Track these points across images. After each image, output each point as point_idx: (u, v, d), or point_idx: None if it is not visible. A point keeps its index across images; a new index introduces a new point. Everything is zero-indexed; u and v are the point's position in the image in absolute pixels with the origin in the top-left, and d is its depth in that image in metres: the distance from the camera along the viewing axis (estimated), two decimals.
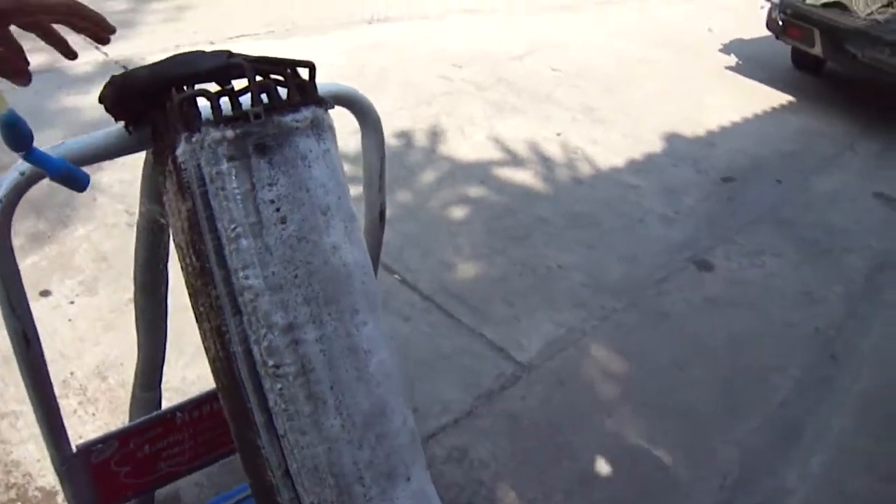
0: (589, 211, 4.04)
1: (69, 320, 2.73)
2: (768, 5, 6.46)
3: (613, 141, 4.94)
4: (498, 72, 5.76)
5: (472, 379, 2.75)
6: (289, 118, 1.03)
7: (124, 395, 2.24)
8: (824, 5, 6.09)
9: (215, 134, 0.98)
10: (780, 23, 6.25)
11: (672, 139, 5.17)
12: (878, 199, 4.99)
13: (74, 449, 1.36)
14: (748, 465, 2.62)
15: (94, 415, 2.33)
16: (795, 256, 4.03)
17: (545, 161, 4.50)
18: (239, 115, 1.01)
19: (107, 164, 3.43)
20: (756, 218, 4.35)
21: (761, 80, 6.82)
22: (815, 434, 2.82)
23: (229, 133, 0.98)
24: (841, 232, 4.40)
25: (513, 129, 4.80)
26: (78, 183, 1.02)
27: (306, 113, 1.05)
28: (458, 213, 3.78)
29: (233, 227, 0.99)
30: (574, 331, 3.10)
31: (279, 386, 1.01)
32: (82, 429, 2.26)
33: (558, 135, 4.85)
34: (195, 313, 1.08)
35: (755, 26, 7.84)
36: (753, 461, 2.64)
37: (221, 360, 1.03)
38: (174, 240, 1.07)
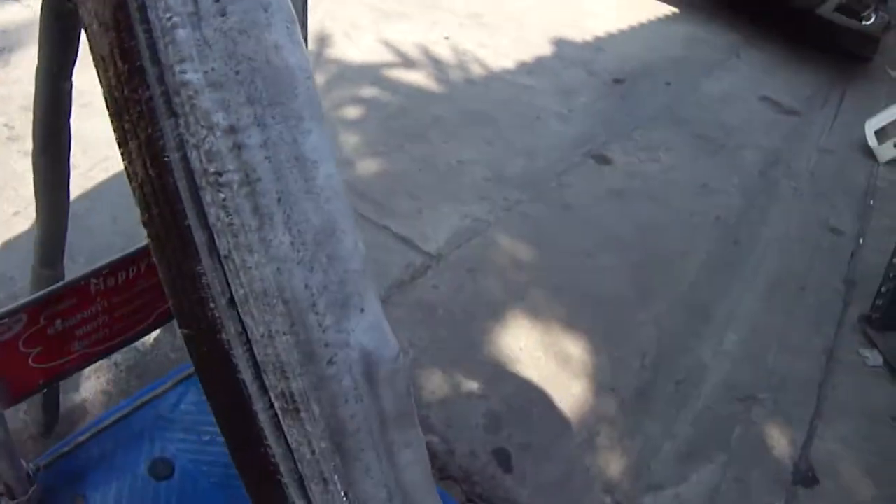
0: (484, 109, 3.88)
1: None
2: None
3: (503, 45, 4.78)
4: None
5: (382, 270, 2.58)
6: None
7: None
8: None
9: None
10: None
11: (560, 43, 5.06)
12: (765, 102, 5.05)
13: None
14: (665, 344, 2.57)
15: None
16: (691, 152, 4.01)
17: (436, 63, 4.31)
18: None
19: None
20: (650, 116, 4.31)
21: None
22: (726, 314, 2.79)
23: None
24: (733, 130, 4.42)
25: (400, 33, 4.58)
26: None
27: None
28: (352, 112, 3.56)
29: (168, 16, 0.84)
30: (480, 221, 2.96)
31: (222, 196, 0.87)
32: None
33: (446, 38, 4.66)
34: (119, 137, 0.91)
35: None
36: (669, 341, 2.59)
37: (153, 178, 0.89)
38: (94, 51, 0.89)
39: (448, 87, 4.08)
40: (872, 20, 5.74)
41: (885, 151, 4.55)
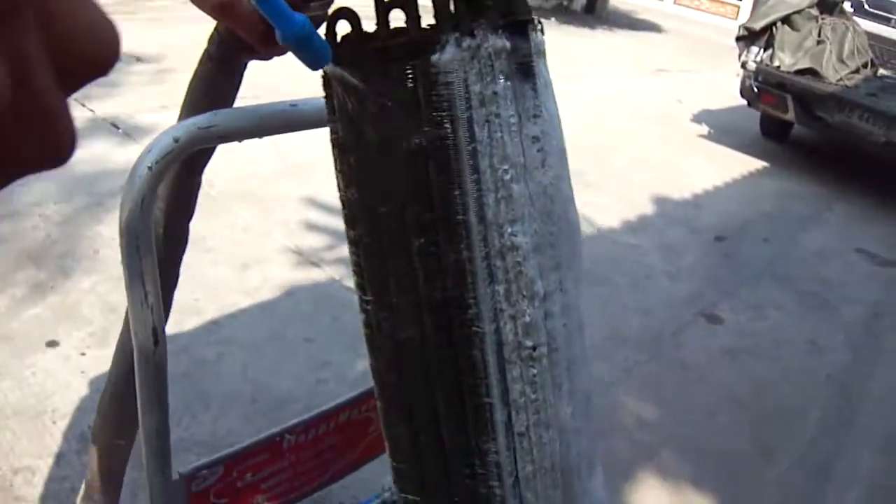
0: (595, 269, 4.16)
1: (81, 372, 2.63)
2: (742, 73, 6.78)
3: (605, 203, 5.10)
4: None
5: None
6: (536, 38, 0.82)
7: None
8: (797, 72, 6.44)
9: (496, 42, 0.76)
10: (755, 90, 6.56)
11: (660, 202, 5.36)
12: (861, 255, 5.22)
13: (177, 475, 1.19)
14: (789, 502, 2.71)
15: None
16: (797, 308, 4.19)
17: None
18: (514, 22, 0.79)
19: (107, 217, 3.46)
20: (753, 273, 4.52)
21: (732, 147, 7.11)
22: (846, 470, 2.93)
23: (507, 44, 0.77)
24: (834, 285, 4.59)
25: None
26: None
27: (541, 35, 0.84)
28: None
29: (504, 167, 0.78)
30: (601, 382, 3.18)
31: (532, 372, 0.84)
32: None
33: None
34: (373, 290, 0.84)
35: (720, 98, 8.23)
36: (794, 499, 2.73)
37: (446, 343, 0.83)
38: (354, 190, 0.82)
39: None
40: None
41: None
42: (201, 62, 1.06)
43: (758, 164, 6.83)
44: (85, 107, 4.70)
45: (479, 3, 0.76)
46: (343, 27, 0.77)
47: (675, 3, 18.86)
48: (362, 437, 1.56)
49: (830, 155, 7.48)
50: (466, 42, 0.75)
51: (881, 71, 7.32)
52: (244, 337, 2.90)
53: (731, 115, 7.84)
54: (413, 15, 0.75)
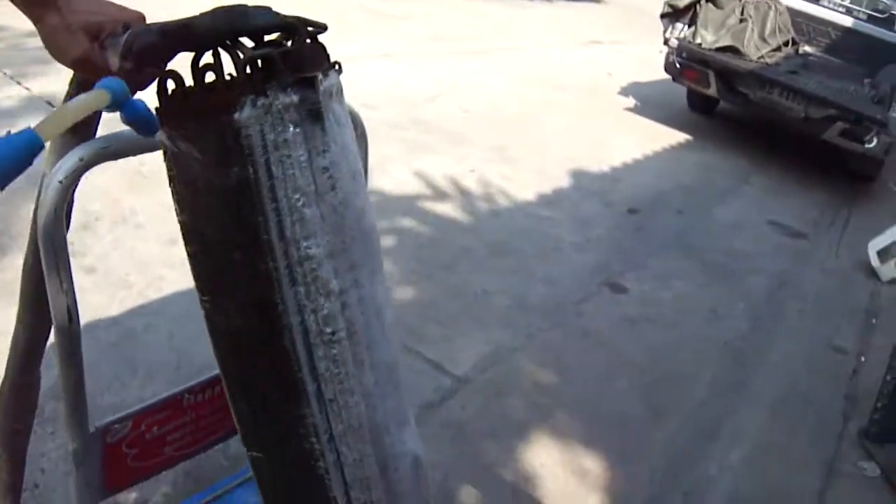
0: (508, 240, 4.27)
1: None
2: (666, 50, 6.93)
3: (524, 177, 5.21)
4: (412, 113, 6.00)
5: (413, 391, 2.90)
6: (327, 83, 1.02)
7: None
8: (718, 49, 6.61)
9: (284, 99, 0.95)
10: (678, 66, 6.72)
11: (579, 175, 5.49)
12: (773, 227, 5.43)
13: (93, 428, 1.35)
14: (675, 460, 2.85)
15: (52, 434, 2.37)
16: (702, 278, 4.35)
17: (464, 196, 4.72)
18: (300, 79, 0.98)
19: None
20: (662, 245, 4.68)
21: (658, 120, 7.30)
22: (733, 431, 3.09)
23: (295, 98, 0.96)
24: (742, 256, 4.77)
25: (430, 166, 5.02)
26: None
27: (335, 77, 1.04)
28: (388, 242, 3.95)
29: (296, 196, 0.98)
30: (504, 348, 3.29)
31: (334, 352, 1.05)
32: (44, 447, 2.30)
33: (472, 171, 5.10)
34: (208, 291, 1.08)
35: (651, 71, 8.38)
36: (679, 457, 2.87)
37: (264, 334, 1.05)
38: (187, 216, 1.06)
39: (474, 218, 4.47)
40: (875, 143, 6.15)
41: (887, 271, 4.87)
42: (65, 100, 1.21)
43: (681, 137, 7.01)
44: (21, 85, 4.66)
45: (271, 68, 0.96)
46: (170, 85, 0.99)
47: None
48: None
49: (754, 129, 7.70)
50: (260, 101, 0.95)
51: (805, 48, 7.54)
52: (170, 309, 3.00)
53: (660, 89, 8.00)
54: (220, 78, 0.98)
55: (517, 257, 4.11)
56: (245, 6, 0.99)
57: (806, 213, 5.87)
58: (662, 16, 7.00)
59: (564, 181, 5.33)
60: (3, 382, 1.52)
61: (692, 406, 3.19)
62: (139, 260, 3.25)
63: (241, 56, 0.95)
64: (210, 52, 0.99)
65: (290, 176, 0.97)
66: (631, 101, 7.77)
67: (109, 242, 3.32)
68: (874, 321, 4.30)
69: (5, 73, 4.55)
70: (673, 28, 6.90)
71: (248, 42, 0.99)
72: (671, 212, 5.24)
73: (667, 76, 7.10)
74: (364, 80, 6.56)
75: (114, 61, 1.00)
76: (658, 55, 7.33)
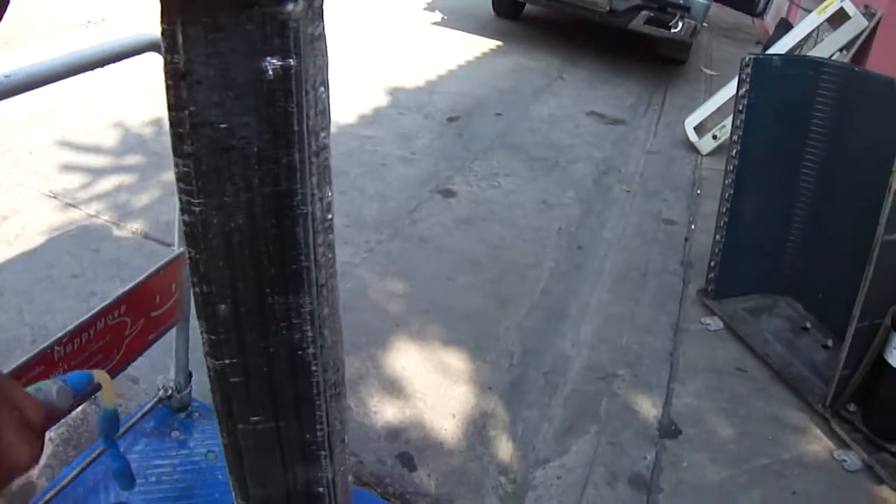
0: (335, 164, 4.29)
1: None
2: None
3: (342, 100, 5.24)
4: None
5: None
6: None
7: None
8: None
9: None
10: None
11: (395, 92, 5.58)
12: (592, 116, 5.69)
13: None
14: (529, 343, 3.03)
15: None
16: (527, 173, 4.55)
17: None
18: None
19: None
20: (485, 147, 4.85)
21: (467, 31, 7.46)
22: (579, 309, 3.29)
23: None
24: (564, 147, 5.01)
25: None
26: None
27: None
28: None
29: (322, 88, 1.00)
30: (347, 264, 3.36)
31: (330, 237, 1.10)
32: None
33: None
34: (200, 195, 1.00)
35: None
36: (533, 340, 3.05)
37: (274, 227, 1.06)
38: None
39: None
40: (679, 28, 6.51)
41: (705, 144, 5.22)
42: None
43: (492, 44, 7.19)
44: None
45: None
46: None
47: None
48: (121, 340, 1.80)
49: (563, 29, 7.96)
50: None
51: None
52: (15, 284, 2.96)
53: (464, 1, 8.14)
54: None
55: (346, 178, 4.17)
56: None
57: (622, 101, 6.18)
58: None
59: (382, 100, 5.40)
60: None
61: (537, 292, 3.38)
62: None
63: None
64: None
65: (318, 68, 0.96)
66: (437, 16, 7.88)
67: None
68: (699, 192, 4.62)
69: None
70: None
71: None
72: (490, 115, 5.41)
73: None
74: None
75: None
76: None
